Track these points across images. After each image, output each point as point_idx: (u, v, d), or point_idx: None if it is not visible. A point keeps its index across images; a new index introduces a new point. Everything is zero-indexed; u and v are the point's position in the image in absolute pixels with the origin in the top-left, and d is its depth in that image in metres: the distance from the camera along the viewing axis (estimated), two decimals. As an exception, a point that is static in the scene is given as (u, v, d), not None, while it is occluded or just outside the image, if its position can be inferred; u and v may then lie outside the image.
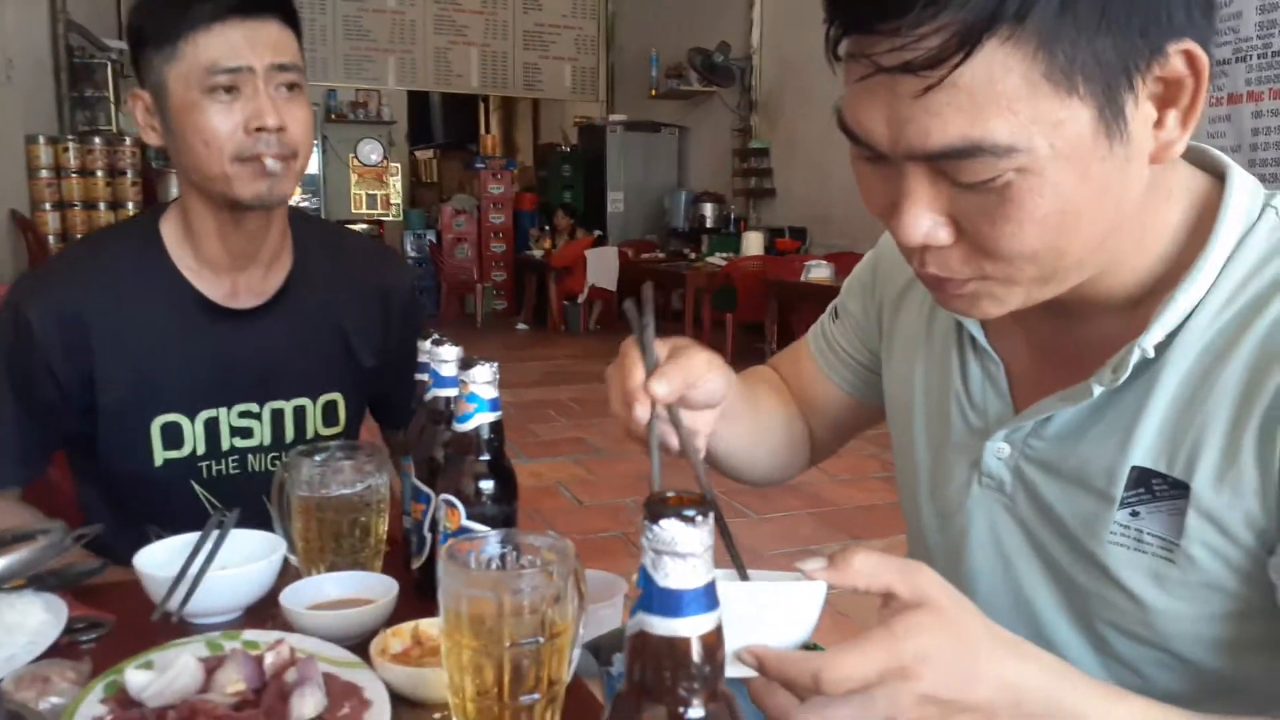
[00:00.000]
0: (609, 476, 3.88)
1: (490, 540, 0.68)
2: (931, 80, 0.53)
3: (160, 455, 1.16)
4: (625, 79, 10.22)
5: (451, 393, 0.95)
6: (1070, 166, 0.55)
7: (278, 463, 1.20)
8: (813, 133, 7.01)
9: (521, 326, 8.94)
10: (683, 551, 0.41)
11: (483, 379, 0.80)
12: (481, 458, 0.81)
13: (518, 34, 10.14)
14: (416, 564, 0.93)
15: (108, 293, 1.14)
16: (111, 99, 6.26)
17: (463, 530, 0.79)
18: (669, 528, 0.41)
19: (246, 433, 1.20)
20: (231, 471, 1.20)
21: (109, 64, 6.29)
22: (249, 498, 1.06)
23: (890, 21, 0.53)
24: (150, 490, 1.17)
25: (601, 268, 8.31)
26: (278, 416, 1.22)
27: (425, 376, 0.99)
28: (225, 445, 1.19)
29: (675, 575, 0.42)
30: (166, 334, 1.15)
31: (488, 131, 13.45)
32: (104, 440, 1.15)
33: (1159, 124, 0.57)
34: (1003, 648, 0.53)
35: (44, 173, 5.33)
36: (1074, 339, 0.69)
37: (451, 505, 0.80)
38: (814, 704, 0.50)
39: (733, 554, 0.60)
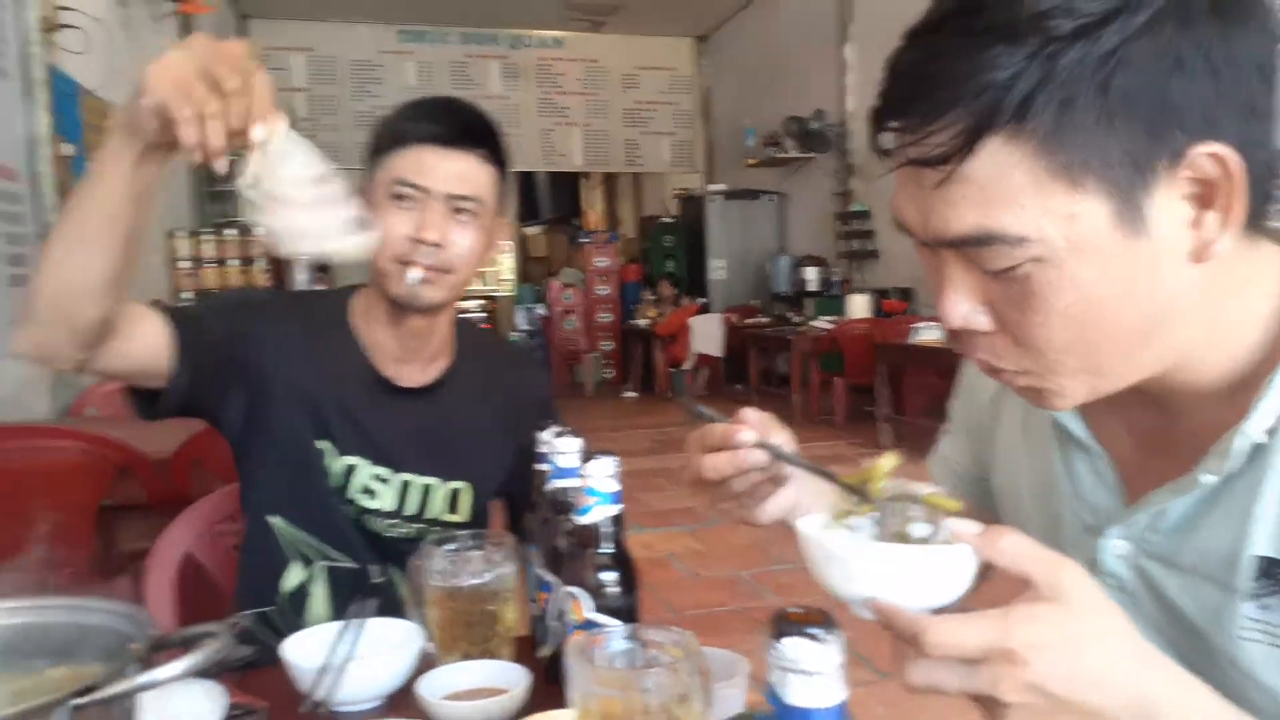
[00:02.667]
0: (722, 547, 3.86)
1: (616, 635, 0.71)
2: (943, 174, 0.57)
3: (313, 456, 1.26)
4: (723, 149, 10.39)
5: (573, 484, 1.00)
6: (1088, 259, 0.57)
7: (392, 529, 1.29)
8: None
9: (630, 394, 9.04)
10: (809, 670, 0.43)
11: (604, 473, 0.84)
12: (604, 550, 0.84)
13: (618, 112, 10.47)
14: (544, 652, 0.96)
15: (306, 315, 1.31)
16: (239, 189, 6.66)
17: (589, 623, 0.82)
18: (794, 646, 0.43)
19: (373, 493, 1.27)
20: (349, 517, 1.27)
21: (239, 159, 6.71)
22: (349, 548, 1.24)
23: (905, 119, 0.59)
24: (300, 481, 1.26)
25: (706, 334, 8.37)
26: (406, 488, 1.29)
27: (546, 466, 1.04)
28: (353, 492, 1.27)
29: (803, 693, 0.43)
30: (339, 377, 1.28)
31: (591, 207, 13.79)
32: (275, 436, 1.26)
33: (1196, 223, 0.58)
34: (1137, 659, 0.54)
35: (183, 263, 5.71)
36: (1175, 428, 0.68)
37: (576, 597, 0.84)
38: (922, 664, 0.54)
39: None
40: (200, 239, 5.52)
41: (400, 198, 1.21)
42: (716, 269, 9.63)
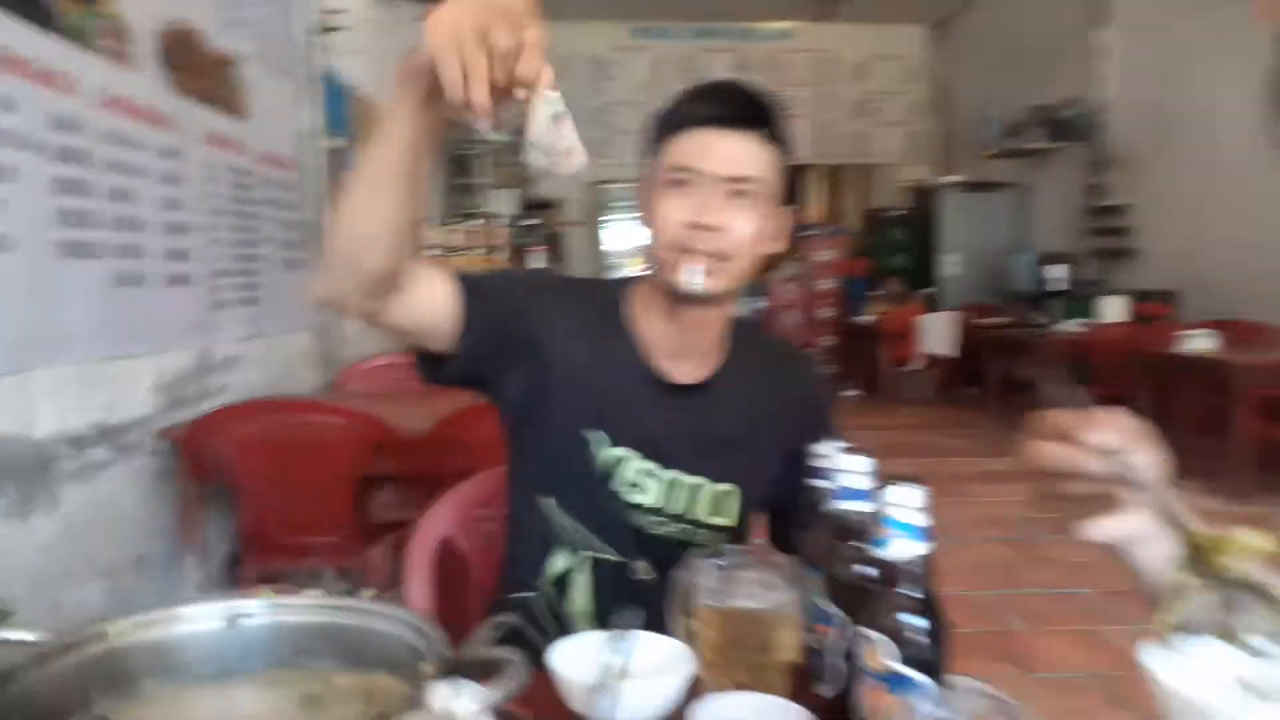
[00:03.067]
0: (962, 565, 3.63)
1: (928, 698, 0.63)
2: None
3: (585, 443, 1.24)
4: (957, 141, 9.92)
5: (862, 508, 0.91)
6: None
7: (656, 526, 1.25)
8: (1187, 188, 6.34)
9: (851, 393, 8.78)
10: None
11: (911, 504, 0.75)
12: (909, 592, 0.76)
13: (846, 103, 10.21)
14: (825, 692, 0.88)
15: (588, 303, 1.30)
16: (485, 185, 6.99)
17: (892, 675, 0.73)
18: None
19: (640, 488, 1.24)
20: (614, 510, 1.24)
21: (485, 155, 7.04)
22: (614, 540, 1.23)
23: None
24: (571, 466, 1.25)
25: (937, 333, 7.99)
26: (673, 486, 1.25)
27: (824, 483, 0.96)
28: (619, 485, 1.25)
29: None
30: (615, 369, 1.26)
31: (814, 199, 13.52)
32: (546, 413, 1.25)
33: None
34: None
35: (433, 252, 6.03)
36: None
37: (873, 642, 0.75)
38: None
39: None
40: (448, 228, 5.81)
41: (678, 184, 1.18)
42: (948, 264, 9.19)
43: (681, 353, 1.27)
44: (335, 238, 1.02)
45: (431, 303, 1.13)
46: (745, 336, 1.34)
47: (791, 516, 1.35)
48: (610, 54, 9.92)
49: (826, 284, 9.69)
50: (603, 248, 9.72)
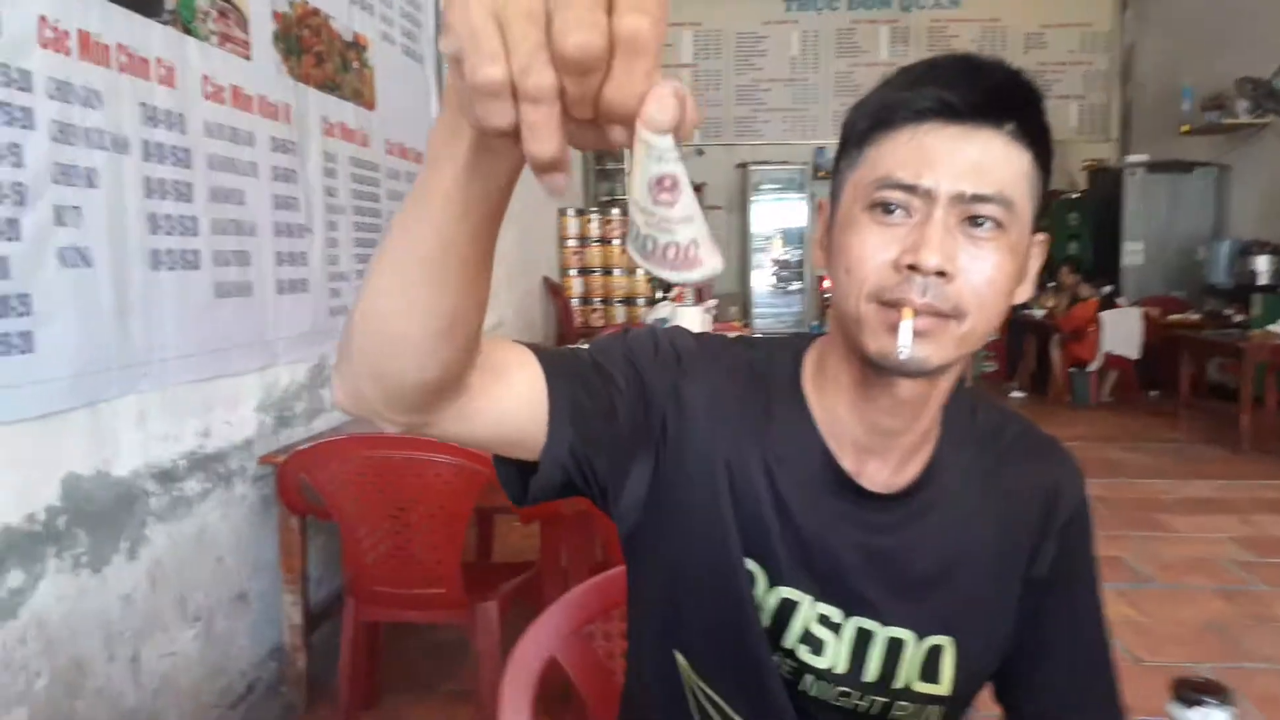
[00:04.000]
0: (1165, 625, 3.09)
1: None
2: None
3: (736, 580, 0.89)
4: (1146, 115, 9.07)
5: None
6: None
7: (841, 700, 0.89)
8: None
9: (1016, 393, 8.08)
10: None
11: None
12: None
13: (1018, 75, 9.48)
14: None
15: (745, 375, 0.94)
16: (626, 170, 6.71)
17: None
18: None
19: (817, 644, 0.89)
20: (779, 676, 0.89)
21: (626, 139, 6.75)
22: (773, 715, 0.86)
23: None
24: (714, 609, 0.90)
25: (1121, 331, 7.23)
26: (862, 642, 0.89)
27: None
28: (789, 640, 0.89)
29: None
30: (782, 468, 0.90)
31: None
32: (683, 536, 0.91)
33: None
34: None
35: (571, 242, 5.79)
36: None
37: None
38: None
39: None
40: (587, 218, 5.55)
41: (883, 207, 0.81)
42: (1131, 253, 8.38)
43: (877, 446, 0.90)
44: (353, 332, 0.68)
45: (505, 407, 0.79)
46: (960, 420, 0.95)
47: (1026, 678, 0.97)
48: (762, 28, 9.47)
49: (990, 272, 9.00)
50: (751, 230, 9.32)
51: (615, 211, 5.65)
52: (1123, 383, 7.49)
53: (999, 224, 0.79)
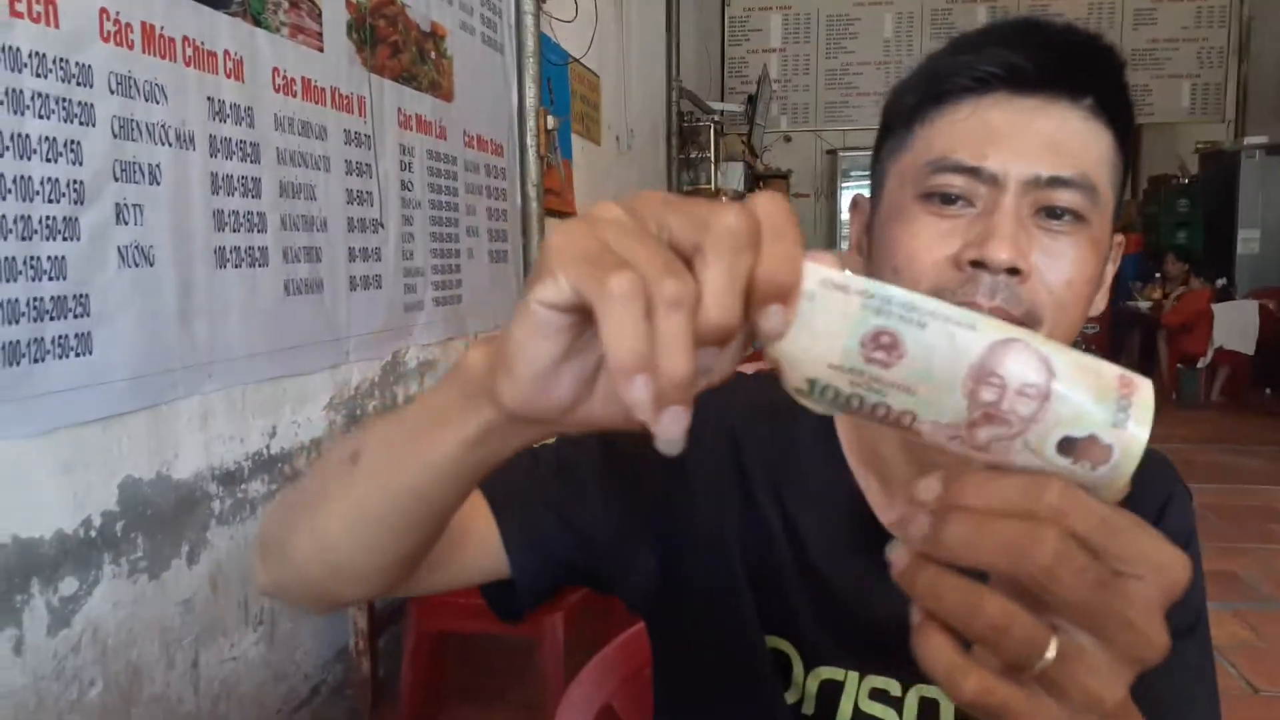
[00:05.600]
0: (1284, 649, 2.86)
1: None
2: None
3: (761, 660, 0.78)
4: (1262, 95, 8.53)
5: None
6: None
7: None
8: None
9: (1119, 390, 7.70)
10: None
11: None
12: None
13: (1125, 54, 8.95)
14: None
15: (772, 429, 0.80)
16: (712, 159, 6.57)
17: None
18: None
19: None
20: None
21: (711, 126, 6.61)
22: None
23: None
24: (743, 700, 0.79)
25: (1234, 325, 6.81)
26: (928, 712, 0.76)
27: None
28: None
29: None
30: (815, 524, 0.78)
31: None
32: (693, 618, 0.80)
33: None
34: None
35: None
36: None
37: None
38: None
39: None
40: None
41: (940, 197, 0.68)
42: (1246, 241, 7.90)
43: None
44: (289, 543, 0.58)
45: (463, 568, 0.72)
46: None
47: None
48: (853, 10, 9.20)
49: (1092, 262, 8.60)
50: (842, 219, 9.08)
51: (698, 201, 5.52)
52: (1236, 380, 7.06)
53: (1079, 216, 0.66)
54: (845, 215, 9.04)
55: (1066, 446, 0.38)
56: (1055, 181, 0.66)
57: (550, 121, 3.86)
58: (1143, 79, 8.94)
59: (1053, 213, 0.66)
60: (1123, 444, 0.38)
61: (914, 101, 0.72)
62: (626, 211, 0.39)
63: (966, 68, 0.68)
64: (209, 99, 1.86)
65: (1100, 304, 0.73)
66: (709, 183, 6.45)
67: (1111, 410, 0.38)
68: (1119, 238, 0.75)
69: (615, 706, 0.99)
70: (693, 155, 6.57)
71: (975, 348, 0.38)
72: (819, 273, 0.38)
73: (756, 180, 7.63)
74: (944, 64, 0.71)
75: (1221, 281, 7.55)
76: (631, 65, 5.37)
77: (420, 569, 0.62)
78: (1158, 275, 7.92)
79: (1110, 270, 0.74)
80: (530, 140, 3.70)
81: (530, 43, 3.71)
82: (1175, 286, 7.60)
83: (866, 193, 0.80)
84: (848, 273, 0.38)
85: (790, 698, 0.77)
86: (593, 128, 4.71)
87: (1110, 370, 0.39)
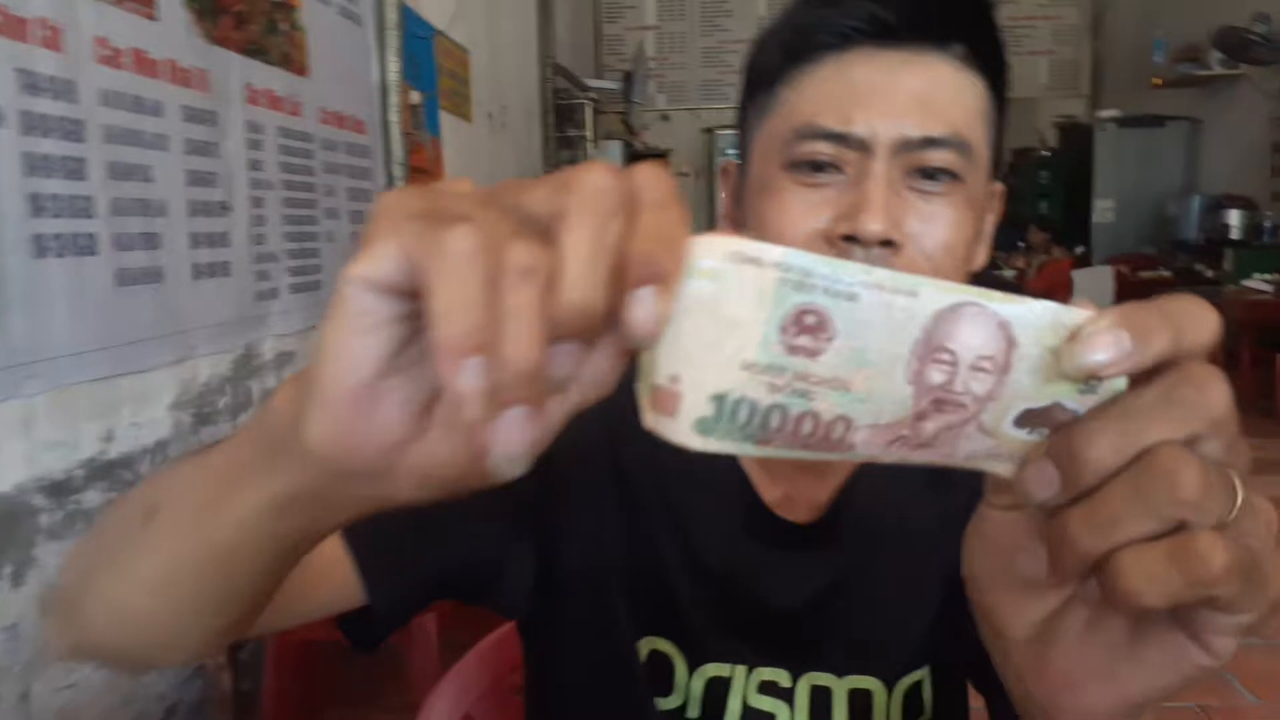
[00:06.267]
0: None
1: None
2: None
3: (635, 662, 0.74)
4: (1116, 69, 8.97)
5: None
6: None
7: None
8: None
9: (989, 356, 8.00)
10: None
11: None
12: None
13: (987, 30, 9.32)
14: None
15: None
16: (590, 138, 6.49)
17: None
18: None
19: (766, 719, 0.73)
20: None
21: (588, 104, 6.52)
22: None
23: None
24: (622, 705, 0.75)
25: (1093, 290, 7.14)
26: (820, 701, 0.73)
27: None
28: None
29: None
30: (687, 518, 0.74)
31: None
32: (568, 630, 0.75)
33: None
34: None
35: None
36: None
37: None
38: None
39: None
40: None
41: (808, 165, 0.64)
42: (1102, 210, 8.30)
43: (802, 471, 0.73)
44: (83, 603, 0.49)
45: (305, 608, 0.64)
46: None
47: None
48: (725, -14, 9.23)
49: (961, 233, 8.90)
50: (720, 196, 9.12)
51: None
52: (1097, 343, 7.43)
53: (955, 175, 0.63)
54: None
55: (1026, 418, 0.32)
56: (927, 142, 0.62)
57: (415, 97, 3.71)
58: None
59: (926, 173, 0.63)
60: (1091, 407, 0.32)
61: (775, 61, 0.67)
62: (479, 189, 0.31)
63: (827, 23, 0.64)
64: (19, 70, 1.68)
65: (981, 257, 0.71)
66: (587, 157, 6.37)
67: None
68: (997, 186, 0.72)
69: (475, 716, 0.92)
70: (570, 134, 6.47)
71: (919, 318, 0.31)
72: (725, 244, 0.30)
73: (635, 159, 7.58)
74: (804, 18, 0.66)
75: (1080, 249, 7.90)
76: (503, 41, 5.23)
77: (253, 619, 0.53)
78: (1021, 244, 8.23)
79: (991, 220, 0.72)
80: (394, 117, 3.55)
81: (392, 15, 3.55)
82: (1038, 255, 7.91)
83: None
84: (758, 244, 0.31)
85: (674, 701, 0.73)
86: (462, 104, 4.56)
87: (1075, 318, 0.32)
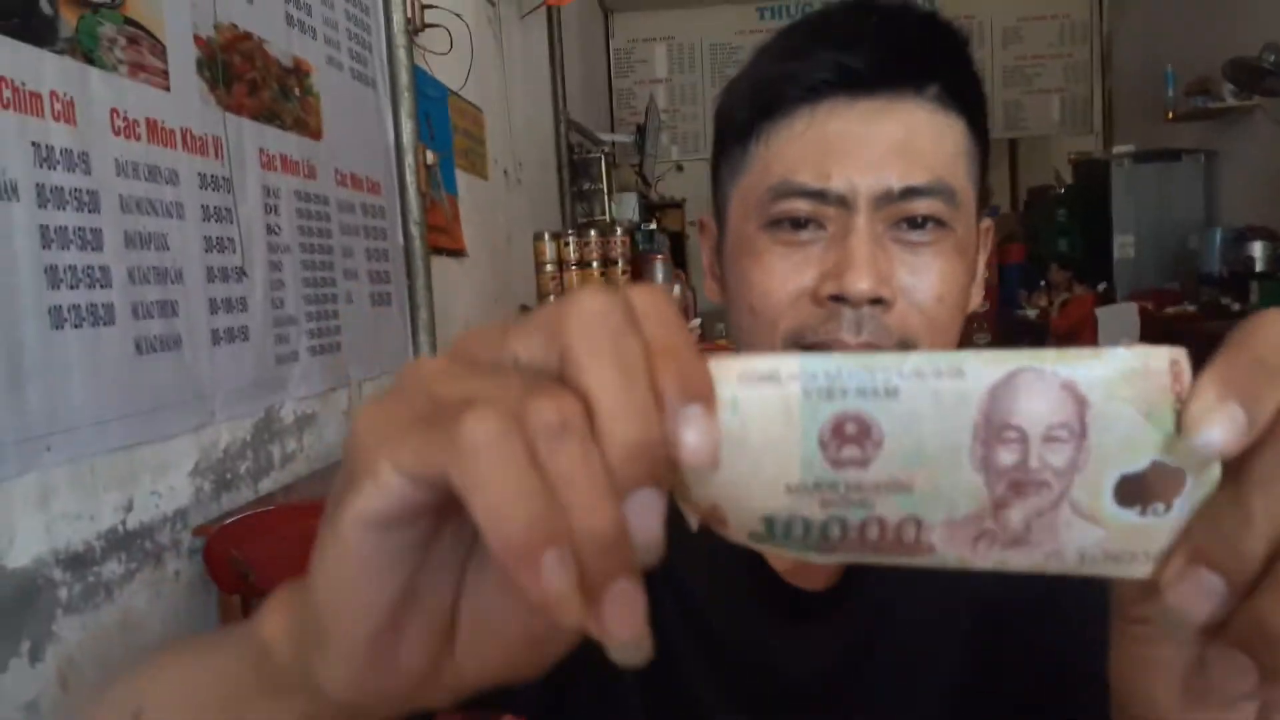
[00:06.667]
0: None
1: None
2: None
3: None
4: (1128, 105, 8.94)
5: None
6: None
7: None
8: None
9: (1014, 396, 7.91)
10: None
11: None
12: None
13: (996, 72, 9.33)
14: None
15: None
16: (605, 190, 6.53)
17: None
18: None
19: None
20: None
21: (602, 157, 6.57)
22: None
23: None
24: None
25: (1117, 327, 7.06)
26: None
27: None
28: None
29: None
30: (696, 587, 0.70)
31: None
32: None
33: None
34: None
35: (549, 267, 5.60)
36: None
37: None
38: None
39: None
40: (564, 241, 5.34)
41: (788, 222, 0.61)
42: (1122, 246, 8.23)
43: None
44: None
45: None
46: None
47: None
48: (735, 39, 9.31)
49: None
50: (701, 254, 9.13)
51: (592, 233, 5.45)
52: (1124, 379, 7.33)
53: (941, 222, 0.60)
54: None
55: (1126, 490, 0.28)
56: (909, 192, 0.59)
57: (429, 157, 3.74)
58: (1015, 95, 9.29)
59: (912, 222, 0.60)
60: (1194, 458, 0.28)
61: (745, 116, 0.65)
62: (449, 356, 0.28)
63: (795, 76, 0.61)
64: (34, 144, 1.69)
65: (977, 298, 0.68)
66: (604, 214, 6.40)
67: (1168, 417, 0.28)
68: (986, 223, 0.69)
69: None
70: (585, 187, 6.51)
71: (972, 398, 0.27)
72: (733, 367, 0.27)
73: (651, 210, 7.62)
74: (772, 71, 0.63)
75: (1103, 286, 7.83)
76: (515, 98, 5.29)
77: None
78: (1043, 283, 8.18)
79: (983, 259, 0.69)
80: (410, 177, 3.57)
81: (404, 77, 3.60)
82: (1060, 293, 7.85)
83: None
84: (769, 357, 0.28)
85: None
86: (478, 162, 4.60)
87: (1146, 360, 0.28)
